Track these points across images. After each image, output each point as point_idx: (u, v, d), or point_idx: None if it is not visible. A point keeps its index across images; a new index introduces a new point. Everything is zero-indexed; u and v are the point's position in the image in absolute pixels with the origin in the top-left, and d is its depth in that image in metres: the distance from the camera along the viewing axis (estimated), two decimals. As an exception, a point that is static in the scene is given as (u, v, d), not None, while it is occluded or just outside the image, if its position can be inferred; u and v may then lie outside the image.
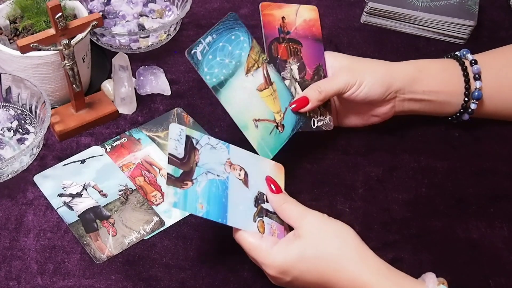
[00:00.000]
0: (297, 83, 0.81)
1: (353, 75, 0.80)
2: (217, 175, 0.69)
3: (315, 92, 0.79)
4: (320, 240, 0.66)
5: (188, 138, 0.68)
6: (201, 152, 0.69)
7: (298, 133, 0.80)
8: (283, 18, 0.81)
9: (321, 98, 0.79)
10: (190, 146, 0.68)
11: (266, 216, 0.70)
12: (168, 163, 0.65)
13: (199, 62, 0.72)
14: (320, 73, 0.83)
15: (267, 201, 0.72)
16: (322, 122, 0.83)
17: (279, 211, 0.70)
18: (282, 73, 0.80)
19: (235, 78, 0.75)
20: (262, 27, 0.80)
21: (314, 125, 0.82)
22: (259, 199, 0.71)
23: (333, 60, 0.83)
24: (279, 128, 0.78)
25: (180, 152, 0.67)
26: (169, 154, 0.66)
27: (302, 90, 0.81)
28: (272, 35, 0.80)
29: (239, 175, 0.71)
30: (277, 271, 0.66)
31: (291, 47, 0.81)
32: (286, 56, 0.81)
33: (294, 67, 0.81)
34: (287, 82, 0.80)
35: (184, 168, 0.66)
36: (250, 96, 0.76)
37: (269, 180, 0.72)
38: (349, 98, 0.81)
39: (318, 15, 0.85)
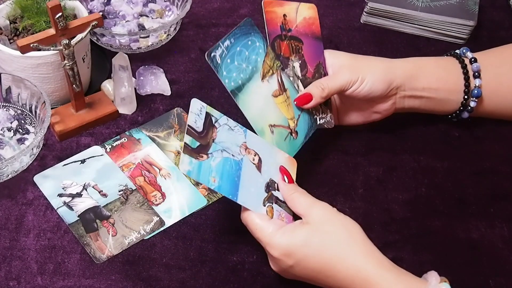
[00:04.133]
0: (299, 80, 0.81)
1: (354, 72, 0.80)
2: (232, 155, 0.70)
3: (318, 89, 0.79)
4: (327, 229, 0.66)
5: (208, 115, 0.70)
6: (219, 131, 0.70)
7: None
8: (284, 15, 0.82)
9: (324, 95, 0.79)
10: (209, 123, 0.70)
11: (275, 203, 0.71)
12: (186, 133, 0.67)
13: (218, 66, 0.73)
14: (320, 71, 0.83)
15: (278, 190, 0.72)
16: (324, 120, 0.83)
17: (289, 199, 0.71)
18: (285, 70, 0.80)
19: (252, 83, 0.76)
20: (266, 24, 0.80)
21: (316, 123, 0.83)
22: (270, 186, 0.72)
23: (333, 58, 0.83)
24: (293, 134, 0.78)
25: (199, 126, 0.68)
26: (188, 125, 0.67)
27: (304, 88, 0.81)
28: (274, 32, 0.80)
29: (253, 160, 0.72)
30: (281, 253, 0.66)
31: (293, 45, 0.82)
32: (288, 54, 0.81)
33: (296, 65, 0.81)
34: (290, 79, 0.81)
35: (201, 141, 0.68)
36: (266, 101, 0.77)
37: (283, 170, 0.73)
38: (352, 95, 0.81)
39: (316, 13, 0.85)
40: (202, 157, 0.67)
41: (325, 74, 0.83)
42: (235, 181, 0.69)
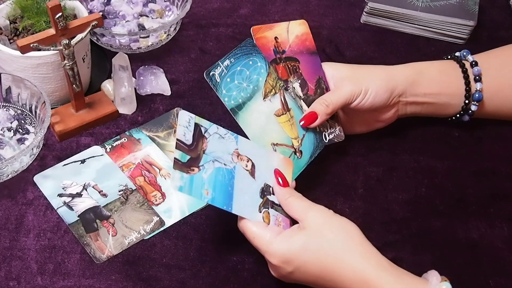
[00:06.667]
0: (301, 100, 0.81)
1: (356, 84, 0.79)
2: (224, 164, 0.70)
3: (323, 106, 0.78)
4: (324, 233, 0.66)
5: (197, 126, 0.69)
6: (209, 141, 0.70)
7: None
8: (276, 38, 0.81)
9: (329, 112, 0.79)
10: (198, 134, 0.69)
11: (271, 208, 0.71)
12: (176, 148, 0.66)
13: (217, 84, 0.73)
14: (321, 85, 0.82)
15: (273, 194, 0.72)
16: (333, 134, 0.83)
17: (284, 204, 0.71)
18: (288, 91, 0.80)
19: (253, 102, 0.75)
20: None
21: (326, 139, 0.82)
22: (265, 191, 0.71)
23: (333, 70, 0.83)
24: (297, 154, 0.78)
25: (188, 139, 0.68)
26: (177, 139, 0.67)
27: (308, 107, 0.80)
28: (268, 57, 0.79)
29: (246, 166, 0.71)
30: (280, 260, 0.66)
31: (289, 66, 0.81)
32: (286, 76, 0.80)
33: (296, 85, 0.81)
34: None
35: (192, 154, 0.67)
36: (268, 120, 0.76)
37: (277, 173, 0.73)
38: (356, 108, 0.80)
39: (308, 28, 0.84)
40: (193, 170, 0.66)
41: (327, 87, 0.83)
42: (228, 191, 0.68)
